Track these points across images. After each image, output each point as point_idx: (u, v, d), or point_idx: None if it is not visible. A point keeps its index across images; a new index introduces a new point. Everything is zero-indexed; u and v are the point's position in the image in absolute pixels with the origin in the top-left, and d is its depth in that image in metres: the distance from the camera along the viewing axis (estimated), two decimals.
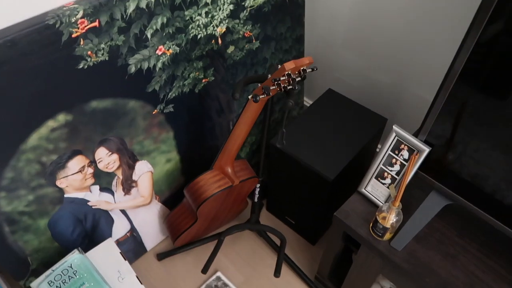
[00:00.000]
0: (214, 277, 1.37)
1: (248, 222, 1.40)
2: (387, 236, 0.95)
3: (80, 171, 1.05)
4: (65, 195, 1.06)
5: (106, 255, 1.04)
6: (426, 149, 0.89)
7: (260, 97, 0.85)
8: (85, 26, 0.87)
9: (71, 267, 0.94)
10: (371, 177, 1.02)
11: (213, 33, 1.15)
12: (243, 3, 1.17)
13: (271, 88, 0.81)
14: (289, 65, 0.77)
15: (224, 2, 1.12)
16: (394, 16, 1.25)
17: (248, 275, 1.39)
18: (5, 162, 0.90)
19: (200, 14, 1.08)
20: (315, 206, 1.32)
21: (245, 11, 1.19)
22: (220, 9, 1.12)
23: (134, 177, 1.21)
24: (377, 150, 1.55)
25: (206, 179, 1.15)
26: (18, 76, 0.82)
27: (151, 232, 1.41)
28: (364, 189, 1.04)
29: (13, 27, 0.80)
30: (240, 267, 1.41)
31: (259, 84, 0.87)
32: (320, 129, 1.30)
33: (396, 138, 0.95)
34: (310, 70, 0.81)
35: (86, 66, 0.92)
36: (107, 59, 0.95)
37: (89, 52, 0.91)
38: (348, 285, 1.20)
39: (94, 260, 1.01)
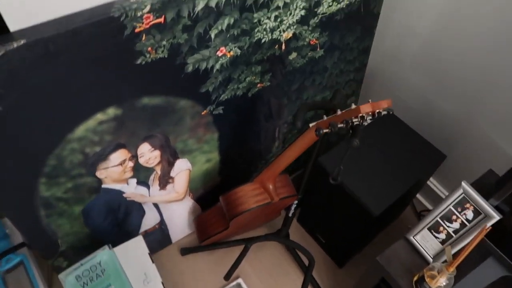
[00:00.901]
0: (234, 283, 1.34)
1: (278, 234, 1.35)
2: None
3: (121, 164, 1.02)
4: (103, 186, 1.03)
5: (134, 253, 1.02)
6: (497, 218, 0.79)
7: (324, 131, 0.77)
8: (150, 22, 0.81)
9: (99, 264, 0.92)
10: (424, 227, 0.93)
11: (279, 38, 1.06)
12: (315, 9, 1.08)
13: (338, 125, 0.73)
14: (366, 109, 0.69)
15: (296, 6, 1.03)
16: (478, 46, 1.13)
17: (269, 287, 1.36)
18: (50, 150, 0.87)
19: (269, 18, 1.00)
20: (351, 233, 1.25)
21: (315, 18, 1.10)
22: (290, 14, 1.03)
23: (172, 174, 1.17)
24: (428, 183, 1.45)
25: (245, 191, 1.10)
26: (75, 66, 0.78)
27: (179, 225, 1.39)
28: (413, 237, 0.96)
29: (76, 15, 0.75)
30: (262, 278, 1.37)
31: (325, 116, 0.79)
32: (371, 155, 1.21)
33: (463, 195, 0.86)
34: (385, 112, 0.73)
35: (144, 62, 0.86)
36: (166, 56, 0.89)
37: (149, 48, 0.85)
38: None
39: (122, 257, 0.99)
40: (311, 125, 0.83)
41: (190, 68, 0.95)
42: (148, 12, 0.79)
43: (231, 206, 1.11)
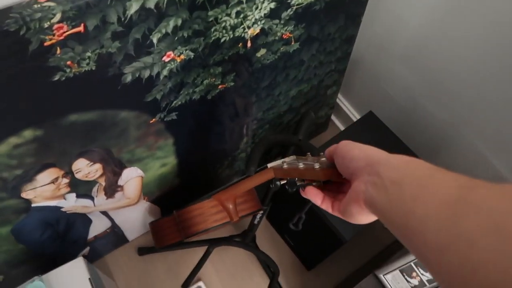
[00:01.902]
0: (195, 286, 1.28)
1: (244, 238, 1.26)
2: None
3: (52, 182, 0.88)
4: (33, 205, 0.90)
5: (71, 280, 0.91)
6: None
7: (282, 182, 0.64)
8: (64, 32, 0.63)
9: None
10: (396, 268, 0.84)
11: (242, 35, 0.88)
12: (289, 1, 0.88)
13: (297, 184, 0.60)
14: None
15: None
16: (475, 46, 0.96)
17: None
18: None
19: (229, 14, 0.81)
20: (320, 246, 1.16)
21: (289, 10, 0.91)
22: (257, 8, 0.84)
23: (120, 183, 1.03)
24: None
25: (203, 209, 0.98)
26: None
27: (135, 226, 1.28)
28: (383, 275, 0.87)
29: None
30: (225, 280, 1.31)
31: (285, 164, 0.64)
32: None
33: None
34: None
35: (63, 78, 0.69)
36: (93, 68, 0.71)
37: (68, 62, 0.67)
38: None
39: (57, 285, 0.88)
40: (269, 165, 0.69)
41: (129, 78, 0.78)
42: (59, 21, 0.61)
43: (186, 225, 1.00)
